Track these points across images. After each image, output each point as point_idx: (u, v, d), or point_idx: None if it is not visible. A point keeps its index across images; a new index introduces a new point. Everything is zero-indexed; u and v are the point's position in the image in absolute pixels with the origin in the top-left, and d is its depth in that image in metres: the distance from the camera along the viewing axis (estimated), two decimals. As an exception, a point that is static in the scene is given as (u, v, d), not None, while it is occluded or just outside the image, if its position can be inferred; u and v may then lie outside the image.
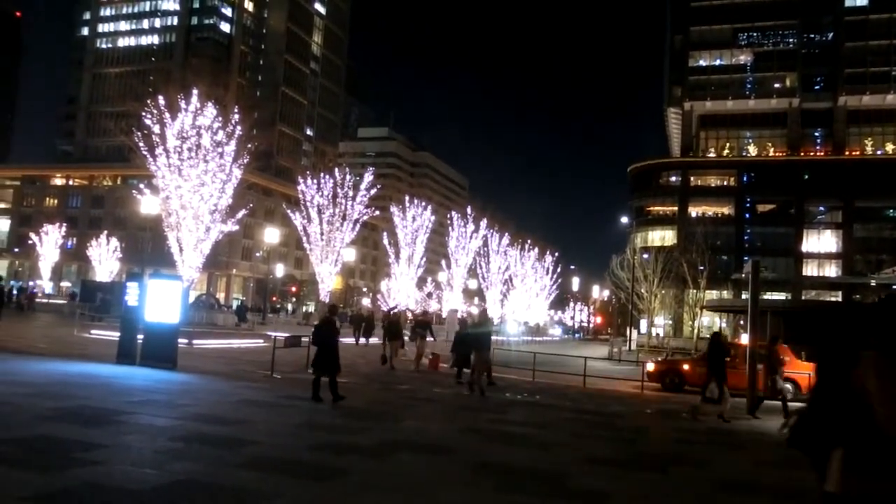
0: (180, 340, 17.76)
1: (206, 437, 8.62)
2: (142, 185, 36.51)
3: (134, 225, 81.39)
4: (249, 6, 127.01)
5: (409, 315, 52.73)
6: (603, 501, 7.07)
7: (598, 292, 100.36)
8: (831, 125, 79.16)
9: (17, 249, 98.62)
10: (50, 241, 76.47)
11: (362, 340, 34.61)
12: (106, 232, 77.07)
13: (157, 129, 31.95)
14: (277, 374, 16.74)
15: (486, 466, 8.18)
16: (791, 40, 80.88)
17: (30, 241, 79.96)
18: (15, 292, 48.55)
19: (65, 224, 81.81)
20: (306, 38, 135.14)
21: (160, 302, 16.19)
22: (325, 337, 13.12)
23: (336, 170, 52.23)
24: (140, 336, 16.55)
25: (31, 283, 73.27)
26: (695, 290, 60.65)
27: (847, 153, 77.88)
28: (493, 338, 40.02)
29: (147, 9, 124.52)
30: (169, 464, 7.05)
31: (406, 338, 25.39)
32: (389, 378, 18.87)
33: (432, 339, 23.96)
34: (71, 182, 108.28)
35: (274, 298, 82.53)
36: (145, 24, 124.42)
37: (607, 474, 8.38)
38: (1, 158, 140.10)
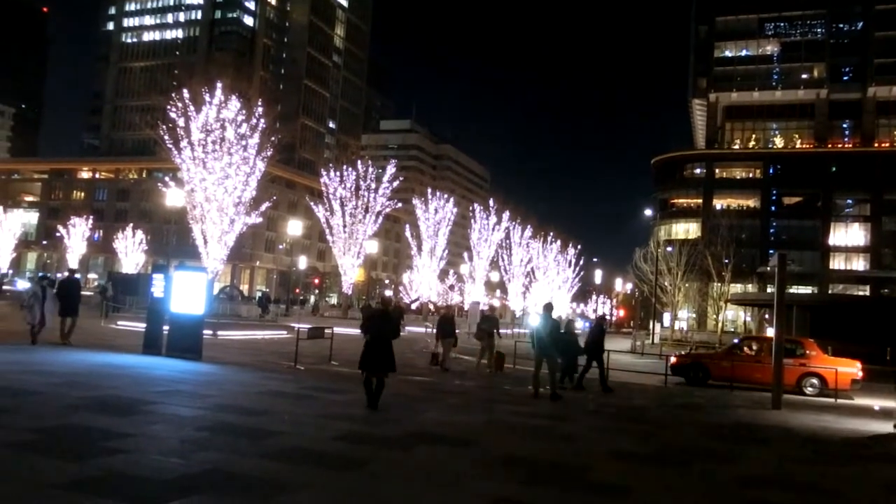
0: (205, 331, 17.94)
1: (231, 427, 8.71)
2: (167, 178, 36.91)
3: (159, 217, 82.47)
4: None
5: (431, 307, 52.82)
6: (624, 495, 7.04)
7: (621, 285, 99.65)
8: (860, 116, 77.66)
9: (45, 242, 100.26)
10: (77, 234, 77.56)
11: None
12: (131, 224, 78.17)
13: (181, 122, 32.26)
14: (301, 366, 16.85)
15: (509, 458, 8.19)
16: (819, 30, 79.34)
17: (57, 234, 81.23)
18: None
19: (91, 217, 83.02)
20: (329, 31, 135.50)
21: (185, 294, 16.37)
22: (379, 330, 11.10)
23: (358, 162, 52.47)
24: (166, 327, 16.75)
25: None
26: (719, 284, 60.04)
27: (876, 145, 76.44)
28: (515, 331, 39.98)
29: (171, 3, 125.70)
30: (195, 453, 7.14)
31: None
32: (416, 372, 18.86)
33: (500, 337, 21.91)
34: (97, 175, 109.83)
35: (297, 290, 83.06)
36: (169, 18, 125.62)
37: (629, 468, 8.35)
38: (29, 152, 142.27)
